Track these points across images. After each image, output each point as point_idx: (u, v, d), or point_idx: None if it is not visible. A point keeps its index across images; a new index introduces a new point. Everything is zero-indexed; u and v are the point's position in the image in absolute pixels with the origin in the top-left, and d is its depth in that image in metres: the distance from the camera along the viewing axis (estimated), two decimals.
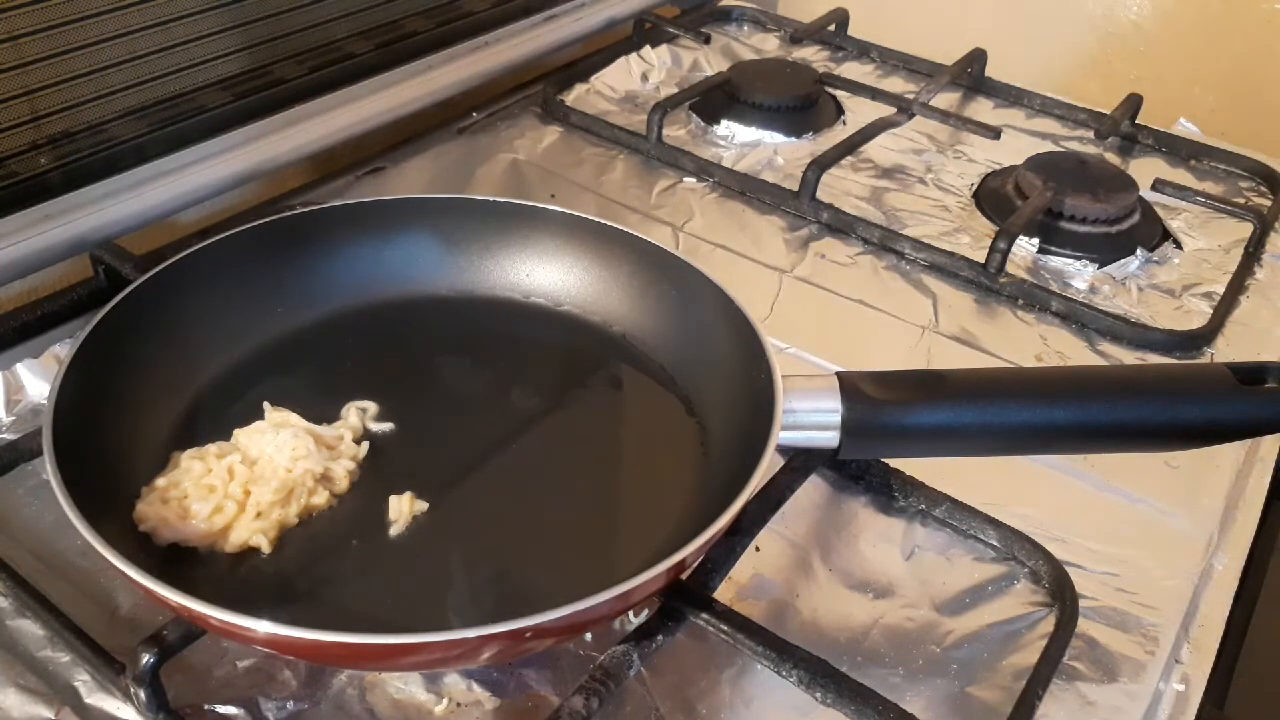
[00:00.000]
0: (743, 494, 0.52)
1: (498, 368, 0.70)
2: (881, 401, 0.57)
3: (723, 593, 0.57)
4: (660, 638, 0.54)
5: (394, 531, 0.58)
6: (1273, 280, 0.90)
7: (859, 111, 1.08)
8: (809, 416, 0.57)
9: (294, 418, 0.61)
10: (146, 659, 0.49)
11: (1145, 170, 1.02)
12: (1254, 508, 0.68)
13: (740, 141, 1.04)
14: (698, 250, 0.89)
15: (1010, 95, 1.14)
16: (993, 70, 1.16)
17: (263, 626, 0.45)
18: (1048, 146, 1.06)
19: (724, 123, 1.05)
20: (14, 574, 0.56)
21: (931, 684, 0.56)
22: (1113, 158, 1.06)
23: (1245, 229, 0.94)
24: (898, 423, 0.58)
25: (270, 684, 0.53)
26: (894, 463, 0.66)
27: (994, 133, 1.01)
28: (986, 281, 0.86)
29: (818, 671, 0.52)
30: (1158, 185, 0.96)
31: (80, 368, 0.57)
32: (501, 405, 0.67)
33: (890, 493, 0.66)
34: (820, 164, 0.93)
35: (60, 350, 0.71)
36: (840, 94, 1.11)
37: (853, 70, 1.19)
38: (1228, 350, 0.82)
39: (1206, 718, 0.57)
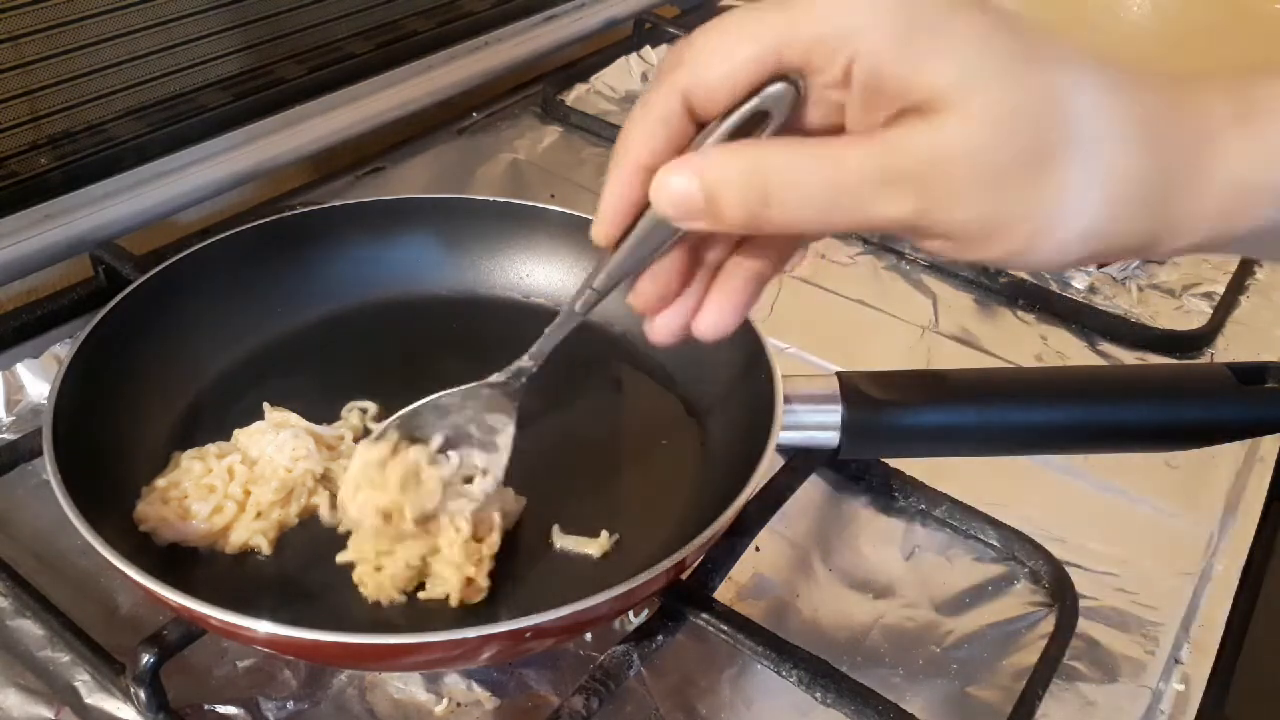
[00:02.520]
0: (743, 494, 0.52)
1: (498, 368, 0.69)
2: (881, 401, 0.57)
3: (723, 593, 0.57)
4: (660, 638, 0.54)
5: None
6: (1273, 280, 0.90)
7: None
8: (809, 416, 0.57)
9: (294, 418, 0.61)
10: (146, 659, 0.49)
11: None
12: (1254, 508, 0.68)
13: None
14: None
15: None
16: None
17: (263, 627, 0.45)
18: None
19: None
20: (14, 574, 0.56)
21: (931, 684, 0.56)
22: None
23: None
24: (898, 423, 0.58)
25: (270, 684, 0.54)
26: (894, 463, 0.66)
27: None
28: (986, 281, 0.86)
29: (818, 671, 0.52)
30: None
31: (80, 368, 0.57)
32: None
33: (890, 493, 0.66)
34: None
35: (60, 350, 0.71)
36: None
37: None
38: (1228, 350, 0.82)
39: (1207, 718, 0.57)
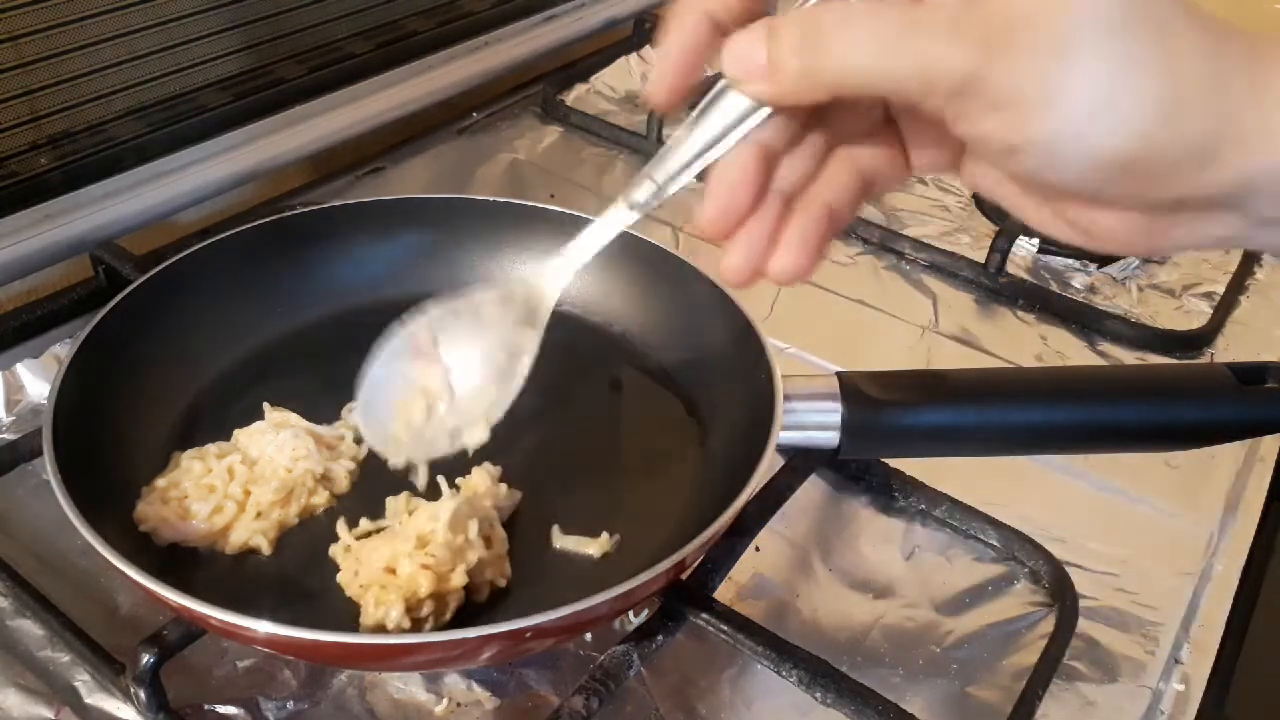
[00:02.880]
0: (743, 494, 0.52)
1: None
2: (881, 401, 0.57)
3: (723, 593, 0.57)
4: (660, 638, 0.54)
5: None
6: (1273, 280, 0.90)
7: None
8: (809, 416, 0.57)
9: (294, 418, 0.61)
10: (146, 659, 0.49)
11: None
12: (1254, 508, 0.68)
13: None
14: (698, 250, 0.88)
15: None
16: None
17: (263, 627, 0.45)
18: None
19: None
20: (14, 574, 0.56)
21: (931, 684, 0.56)
22: None
23: None
24: (898, 423, 0.58)
25: (270, 684, 0.54)
26: (894, 463, 0.66)
27: None
28: (986, 281, 0.86)
29: (818, 671, 0.52)
30: None
31: (80, 368, 0.57)
32: None
33: (890, 493, 0.66)
34: None
35: (60, 350, 0.71)
36: None
37: None
38: (1228, 350, 0.82)
39: (1207, 718, 0.57)
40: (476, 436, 0.53)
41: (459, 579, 0.52)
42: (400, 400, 0.53)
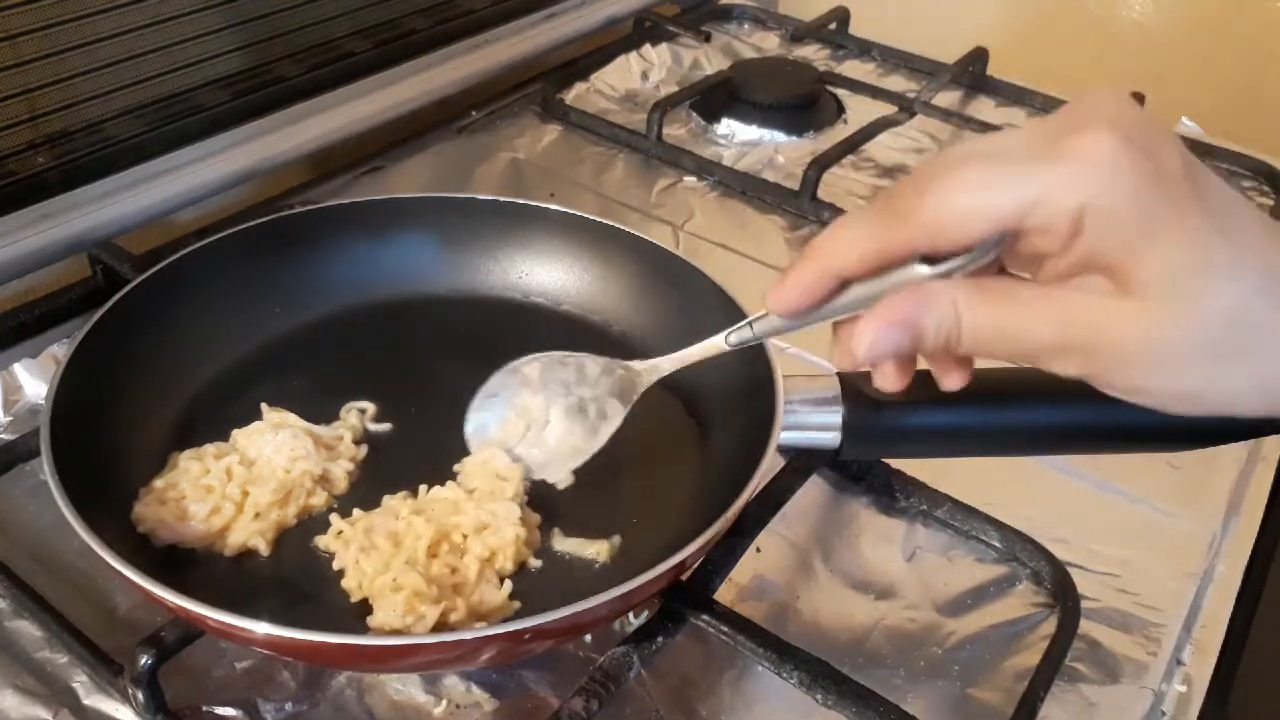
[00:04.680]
0: (743, 494, 0.52)
1: (498, 368, 0.69)
2: (883, 402, 0.57)
3: (723, 594, 0.57)
4: (660, 639, 0.54)
5: None
6: None
7: (860, 110, 1.08)
8: (810, 417, 0.57)
9: (292, 418, 0.61)
10: (144, 660, 0.49)
11: None
12: (1256, 508, 0.68)
13: (741, 140, 1.04)
14: (698, 250, 0.88)
15: (1012, 94, 1.14)
16: (994, 69, 1.15)
17: (261, 628, 0.45)
18: None
19: (724, 121, 1.05)
20: (12, 575, 0.56)
21: (933, 685, 0.56)
22: None
23: None
24: (899, 423, 0.57)
25: (269, 685, 0.53)
26: (895, 463, 0.66)
27: (995, 132, 1.01)
28: None
29: (819, 673, 0.52)
30: None
31: (78, 368, 0.57)
32: None
33: (891, 493, 0.66)
34: (821, 163, 0.92)
35: (58, 350, 0.71)
36: (841, 92, 1.11)
37: (854, 69, 1.19)
38: None
39: (1209, 719, 0.57)
40: (562, 478, 0.60)
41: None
42: (504, 417, 0.60)
